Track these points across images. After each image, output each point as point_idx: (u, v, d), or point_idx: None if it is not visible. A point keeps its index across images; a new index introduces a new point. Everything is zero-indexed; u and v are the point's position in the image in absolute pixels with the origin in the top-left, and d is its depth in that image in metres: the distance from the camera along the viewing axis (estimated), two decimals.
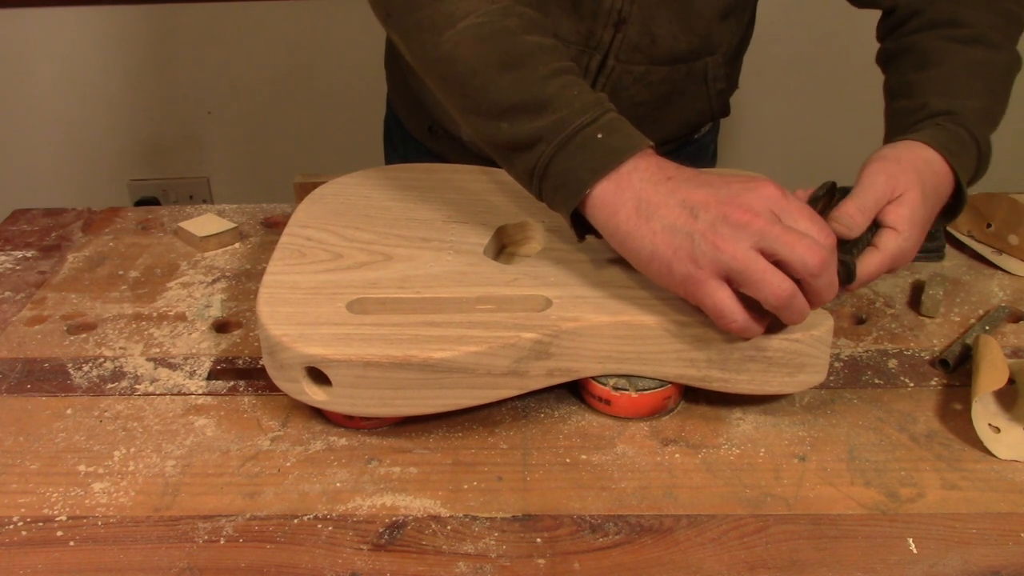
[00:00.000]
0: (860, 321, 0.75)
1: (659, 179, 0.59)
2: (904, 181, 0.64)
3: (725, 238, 0.56)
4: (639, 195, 0.59)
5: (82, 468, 0.61)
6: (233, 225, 0.88)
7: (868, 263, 0.64)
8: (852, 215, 0.63)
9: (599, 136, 0.61)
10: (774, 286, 0.55)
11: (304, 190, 0.84)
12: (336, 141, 1.84)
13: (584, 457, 0.61)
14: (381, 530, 0.56)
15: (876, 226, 0.65)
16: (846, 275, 0.60)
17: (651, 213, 0.59)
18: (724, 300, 0.57)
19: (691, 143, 1.03)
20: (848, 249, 0.63)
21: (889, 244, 0.64)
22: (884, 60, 0.80)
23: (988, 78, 0.72)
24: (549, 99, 0.62)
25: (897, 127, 0.72)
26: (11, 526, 0.56)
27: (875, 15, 0.84)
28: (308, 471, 0.60)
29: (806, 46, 1.71)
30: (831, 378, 0.68)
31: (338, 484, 0.59)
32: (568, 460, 0.61)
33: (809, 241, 0.55)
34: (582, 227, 0.64)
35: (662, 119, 0.92)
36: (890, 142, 0.69)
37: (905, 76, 0.75)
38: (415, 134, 1.04)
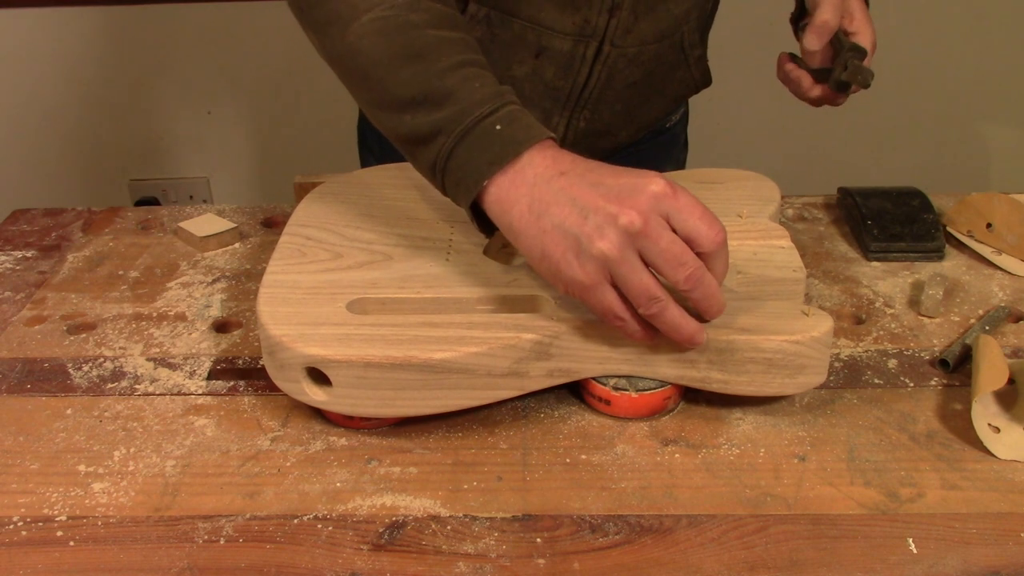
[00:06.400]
0: (860, 321, 0.75)
1: (552, 175, 0.59)
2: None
3: (611, 242, 0.56)
4: (532, 192, 0.59)
5: (82, 468, 0.61)
6: (233, 225, 0.88)
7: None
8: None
9: (497, 127, 0.61)
10: (642, 292, 0.56)
11: (304, 190, 0.84)
12: (336, 141, 1.83)
13: (584, 457, 0.61)
14: (381, 530, 0.56)
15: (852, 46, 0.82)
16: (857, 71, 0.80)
17: (542, 211, 0.58)
18: (611, 303, 0.58)
19: (663, 132, 1.05)
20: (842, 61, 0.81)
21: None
22: None
23: None
24: (449, 91, 0.62)
25: None
26: (11, 526, 0.56)
27: None
28: (308, 471, 0.60)
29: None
30: (831, 378, 0.68)
31: (338, 484, 0.59)
32: (568, 460, 0.61)
33: (679, 253, 0.56)
34: (487, 223, 0.63)
35: (653, 97, 0.93)
36: None
37: None
38: None
